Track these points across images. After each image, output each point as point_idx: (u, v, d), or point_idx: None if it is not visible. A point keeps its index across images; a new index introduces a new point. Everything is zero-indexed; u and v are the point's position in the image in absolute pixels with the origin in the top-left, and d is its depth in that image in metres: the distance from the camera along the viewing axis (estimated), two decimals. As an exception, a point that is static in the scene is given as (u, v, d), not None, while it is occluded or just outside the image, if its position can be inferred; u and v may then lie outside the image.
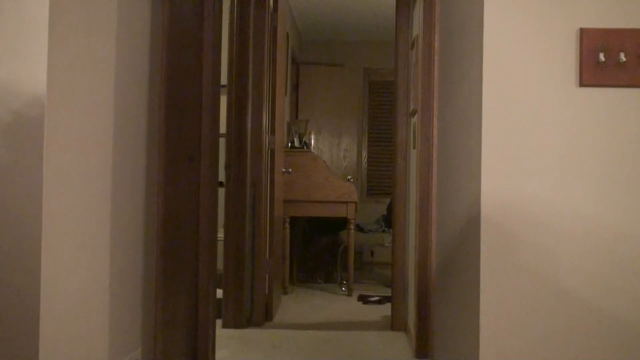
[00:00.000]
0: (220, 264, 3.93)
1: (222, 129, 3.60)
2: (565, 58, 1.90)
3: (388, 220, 6.63)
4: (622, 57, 1.86)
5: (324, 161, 5.80)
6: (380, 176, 8.06)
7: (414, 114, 3.86)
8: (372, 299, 5.43)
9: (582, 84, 1.89)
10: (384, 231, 6.73)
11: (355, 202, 5.68)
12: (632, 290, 1.88)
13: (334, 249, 6.34)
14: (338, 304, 5.27)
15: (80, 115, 2.08)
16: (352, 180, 6.25)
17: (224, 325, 4.15)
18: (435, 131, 3.20)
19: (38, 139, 1.81)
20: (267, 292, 4.50)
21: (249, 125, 4.24)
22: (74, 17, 2.00)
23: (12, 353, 1.81)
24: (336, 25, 7.52)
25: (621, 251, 1.88)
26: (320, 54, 8.08)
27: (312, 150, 6.13)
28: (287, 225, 5.50)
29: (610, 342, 1.89)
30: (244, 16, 4.22)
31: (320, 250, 6.50)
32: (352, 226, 5.68)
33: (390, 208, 6.03)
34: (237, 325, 4.18)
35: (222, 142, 3.61)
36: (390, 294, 4.49)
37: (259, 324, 4.32)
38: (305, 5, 6.80)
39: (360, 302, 5.35)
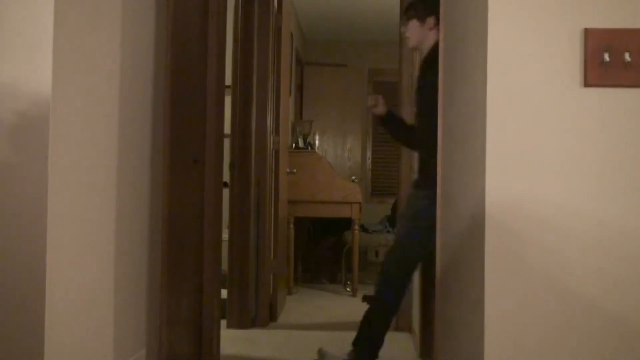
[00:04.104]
0: (224, 265, 3.94)
1: (227, 129, 3.60)
2: (570, 58, 1.90)
3: (392, 221, 6.62)
4: (627, 57, 1.85)
5: (329, 162, 5.80)
6: (385, 177, 8.05)
7: (418, 115, 3.85)
8: (377, 299, 5.41)
9: (587, 84, 1.88)
10: (388, 232, 6.72)
11: (360, 203, 5.67)
12: (637, 290, 1.88)
13: (338, 250, 6.34)
14: (342, 305, 5.26)
15: (85, 115, 2.08)
16: (356, 180, 6.25)
17: (229, 326, 4.15)
18: (439, 131, 3.19)
19: (43, 140, 1.81)
20: (271, 292, 4.50)
21: (253, 125, 4.24)
22: (79, 18, 2.01)
23: (18, 353, 1.82)
24: (340, 25, 7.52)
25: (628, 251, 1.88)
26: (324, 54, 8.08)
27: (316, 150, 6.13)
28: (292, 226, 5.50)
29: (617, 341, 1.88)
30: (248, 17, 4.22)
31: (324, 251, 6.50)
32: (356, 227, 5.68)
33: (394, 208, 6.02)
34: (241, 326, 4.18)
35: (226, 142, 3.61)
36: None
37: (263, 325, 4.32)
38: (309, 6, 6.80)
39: (365, 303, 5.34)
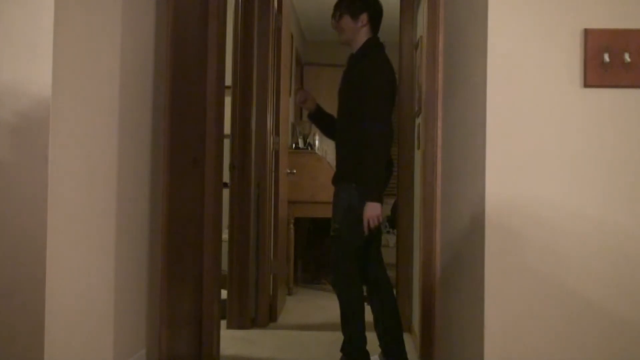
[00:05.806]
0: (224, 265, 3.93)
1: (226, 129, 3.60)
2: (570, 59, 1.90)
3: (392, 221, 6.62)
4: (627, 57, 1.85)
5: (328, 162, 5.80)
6: (385, 177, 8.02)
7: (418, 115, 3.86)
8: (377, 299, 5.40)
9: (587, 84, 1.88)
10: (388, 232, 6.71)
11: (360, 203, 5.64)
12: (637, 292, 1.88)
13: (338, 250, 6.32)
14: (342, 305, 5.25)
15: (85, 116, 2.08)
16: (356, 181, 6.22)
17: (229, 326, 4.15)
18: (439, 132, 3.20)
19: (43, 141, 1.81)
20: (271, 292, 4.50)
21: (253, 126, 4.25)
22: (79, 19, 2.01)
23: (18, 354, 1.82)
24: (340, 26, 7.50)
25: (626, 252, 1.88)
26: (324, 54, 8.07)
27: (316, 151, 6.13)
28: (292, 226, 5.50)
29: (616, 343, 1.88)
30: (248, 17, 4.22)
31: (324, 251, 6.49)
32: (356, 227, 5.66)
33: (394, 209, 6.02)
34: (241, 326, 4.18)
35: (226, 143, 3.61)
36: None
37: (263, 325, 4.33)
38: (309, 6, 6.80)
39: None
